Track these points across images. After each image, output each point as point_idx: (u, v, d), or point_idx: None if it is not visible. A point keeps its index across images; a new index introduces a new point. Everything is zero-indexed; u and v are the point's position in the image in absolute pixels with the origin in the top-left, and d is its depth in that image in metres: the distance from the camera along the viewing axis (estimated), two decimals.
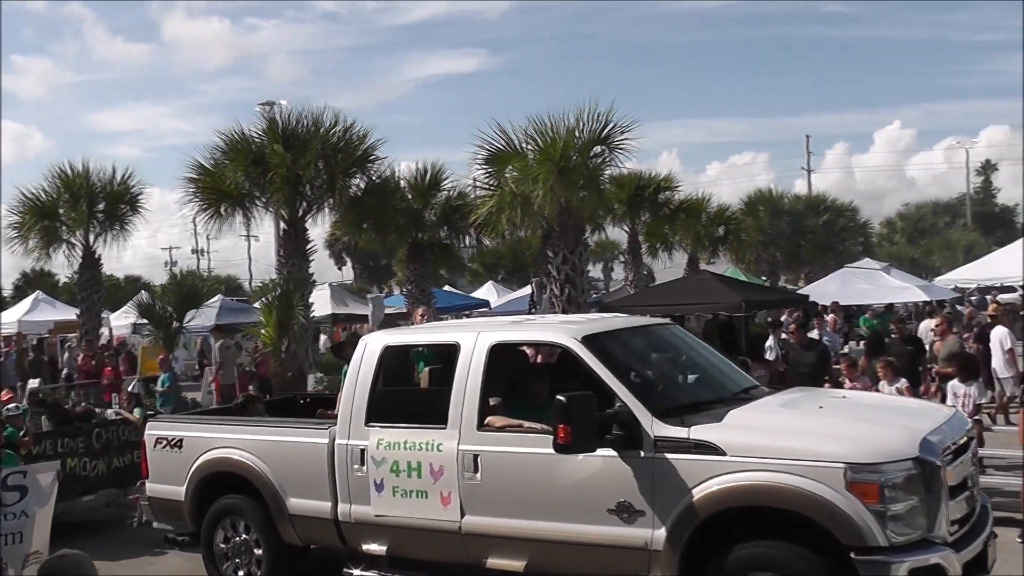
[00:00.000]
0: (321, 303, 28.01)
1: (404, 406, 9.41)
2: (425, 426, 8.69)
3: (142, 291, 29.68)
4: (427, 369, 10.04)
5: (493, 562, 8.27)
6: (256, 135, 21.57)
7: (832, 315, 25.59)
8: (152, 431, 10.76)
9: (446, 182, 26.61)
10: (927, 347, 18.74)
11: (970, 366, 13.02)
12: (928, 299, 31.56)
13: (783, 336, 19.91)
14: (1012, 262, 39.06)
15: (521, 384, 9.32)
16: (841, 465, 6.85)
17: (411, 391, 10.04)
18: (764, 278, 42.93)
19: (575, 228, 20.21)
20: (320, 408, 12.10)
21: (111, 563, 11.37)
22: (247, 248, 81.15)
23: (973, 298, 36.61)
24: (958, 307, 35.13)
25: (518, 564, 8.14)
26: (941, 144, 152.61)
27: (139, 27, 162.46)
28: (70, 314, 30.84)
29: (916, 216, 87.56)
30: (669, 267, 36.08)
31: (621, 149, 19.90)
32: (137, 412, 14.39)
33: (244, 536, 10.00)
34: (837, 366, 14.56)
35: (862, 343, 20.59)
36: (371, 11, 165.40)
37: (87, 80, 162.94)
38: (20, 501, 8.75)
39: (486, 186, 21.66)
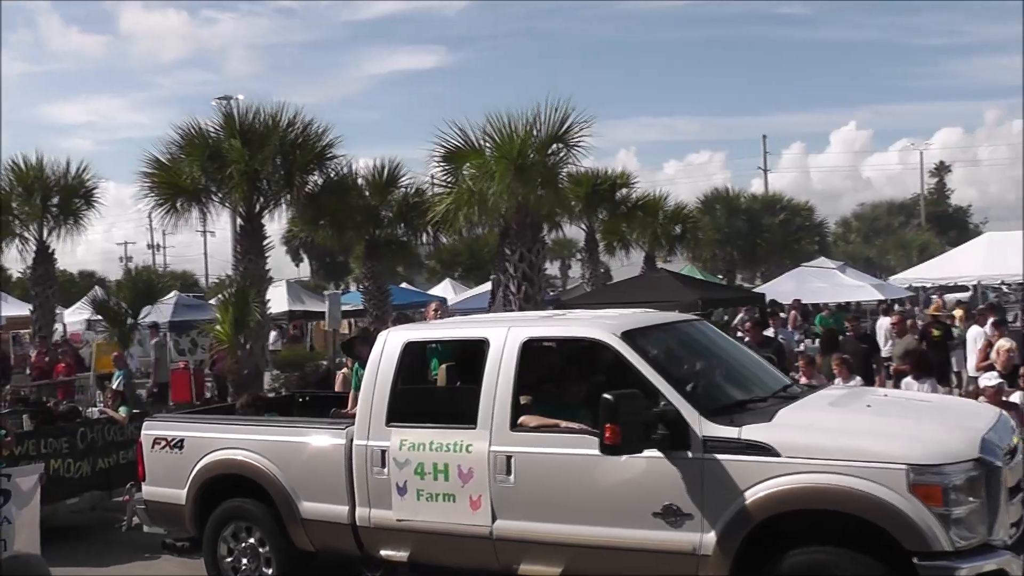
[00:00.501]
0: (278, 300, 27.91)
1: (428, 405, 9.08)
2: (452, 426, 8.32)
3: (97, 287, 29.25)
4: (444, 367, 9.67)
5: (526, 568, 7.96)
6: (213, 130, 21.35)
7: (793, 312, 25.76)
8: (150, 431, 10.27)
9: (404, 179, 26.58)
10: (884, 344, 19.02)
11: (924, 363, 13.18)
12: (883, 298, 31.84)
13: (739, 334, 20.03)
14: (965, 262, 39.63)
15: (552, 382, 9.02)
16: (903, 467, 6.63)
17: (435, 389, 9.65)
18: (720, 276, 43.23)
19: (532, 226, 20.22)
20: (334, 407, 11.65)
21: (101, 569, 11.19)
22: (203, 244, 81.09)
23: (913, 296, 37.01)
24: (916, 308, 35.50)
25: (553, 570, 7.83)
26: (896, 145, 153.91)
27: (94, 18, 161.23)
28: (23, 310, 30.51)
29: (871, 216, 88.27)
30: (626, 265, 36.14)
31: (579, 147, 19.93)
32: (122, 410, 13.95)
33: (251, 541, 9.54)
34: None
35: (817, 341, 20.80)
36: (329, 7, 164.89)
37: (41, 71, 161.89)
38: (2, 506, 8.49)
39: (443, 183, 21.64)
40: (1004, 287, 46.22)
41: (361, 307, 29.59)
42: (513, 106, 19.86)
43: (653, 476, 7.36)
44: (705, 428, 7.24)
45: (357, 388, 10.88)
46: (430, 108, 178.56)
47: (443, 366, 9.68)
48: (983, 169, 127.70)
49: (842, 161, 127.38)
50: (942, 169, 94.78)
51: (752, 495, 6.99)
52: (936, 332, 18.85)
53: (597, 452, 7.34)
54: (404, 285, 42.52)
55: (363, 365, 10.70)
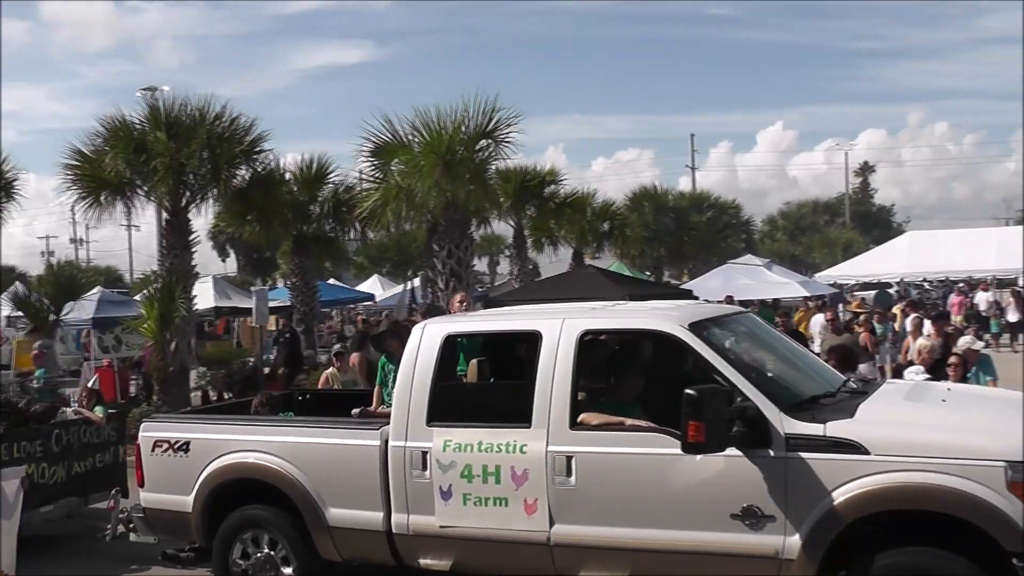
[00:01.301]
0: (204, 296, 27.64)
1: (473, 403, 8.59)
2: (503, 425, 7.79)
3: (17, 282, 28.74)
4: (474, 362, 9.19)
5: (586, 575, 7.49)
6: (138, 121, 21.01)
7: None
8: (149, 432, 9.48)
9: (332, 175, 26.49)
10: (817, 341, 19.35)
11: (847, 358, 13.35)
12: (808, 294, 32.28)
13: None
14: (888, 260, 40.33)
15: (608, 376, 8.43)
16: (1001, 464, 6.32)
17: (481, 387, 9.07)
18: (648, 273, 43.43)
19: (461, 222, 20.29)
20: (354, 406, 10.91)
21: None
22: (128, 238, 79.74)
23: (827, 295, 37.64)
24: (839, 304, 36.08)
25: None
26: (821, 145, 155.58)
27: (16, 4, 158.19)
28: None
29: (797, 214, 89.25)
30: (554, 261, 36.30)
31: (507, 143, 20.05)
32: (99, 410, 13.03)
33: (267, 551, 8.79)
34: None
35: None
36: None
37: None
38: None
39: (372, 179, 21.58)
40: (926, 284, 47.10)
41: (288, 303, 29.45)
42: (442, 102, 19.94)
43: (732, 476, 6.98)
44: (787, 425, 6.88)
45: (383, 384, 10.65)
46: (359, 103, 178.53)
47: (473, 361, 9.23)
48: (906, 170, 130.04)
49: (769, 160, 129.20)
50: (866, 169, 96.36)
51: (841, 495, 6.64)
52: (858, 328, 19.20)
53: (670, 451, 7.06)
54: (332, 281, 42.40)
55: (392, 360, 10.42)
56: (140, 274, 64.38)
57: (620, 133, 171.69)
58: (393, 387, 9.89)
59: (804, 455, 6.76)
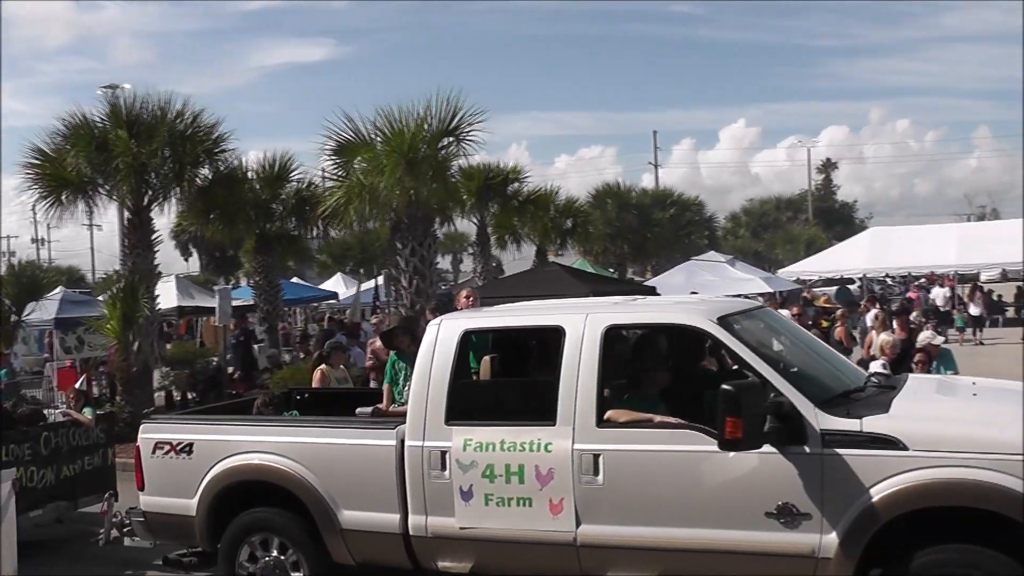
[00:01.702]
0: (167, 295, 27.54)
1: (494, 401, 8.46)
2: (527, 423, 7.67)
3: None
4: (487, 358, 8.99)
5: (613, 575, 7.34)
6: (99, 120, 20.95)
7: None
8: (149, 434, 9.21)
9: (295, 173, 26.47)
10: None
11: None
12: (771, 290, 32.59)
13: None
14: (850, 256, 40.73)
15: (624, 372, 8.21)
16: None
17: (501, 384, 8.87)
18: (612, 270, 43.54)
19: (424, 220, 20.28)
20: (354, 405, 10.44)
21: None
22: (90, 238, 79.35)
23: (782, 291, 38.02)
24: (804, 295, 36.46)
25: None
26: (784, 142, 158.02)
27: None
28: None
29: (760, 211, 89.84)
30: (518, 259, 36.46)
31: (470, 140, 20.06)
32: (87, 411, 12.77)
33: (276, 555, 8.58)
34: None
35: None
36: None
37: None
38: None
39: (334, 177, 21.58)
40: (888, 280, 47.56)
41: (252, 302, 29.40)
42: (404, 100, 19.97)
43: (766, 473, 6.84)
44: (822, 421, 6.75)
45: (393, 382, 10.41)
46: (321, 101, 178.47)
47: (486, 358, 9.03)
48: (868, 166, 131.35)
49: (731, 157, 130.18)
50: (829, 166, 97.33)
51: (879, 492, 6.52)
52: (825, 323, 19.45)
53: (702, 448, 6.97)
54: (295, 280, 42.30)
55: (402, 358, 10.28)
56: (102, 274, 64.03)
57: (583, 130, 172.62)
58: (405, 385, 9.94)
59: (840, 451, 6.65)
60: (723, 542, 6.94)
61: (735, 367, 7.68)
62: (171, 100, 21.21)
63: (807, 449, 6.74)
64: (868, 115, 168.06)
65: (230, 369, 23.91)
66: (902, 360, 13.18)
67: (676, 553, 7.10)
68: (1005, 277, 48.88)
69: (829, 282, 41.56)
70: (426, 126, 19.43)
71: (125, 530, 9.79)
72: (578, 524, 7.35)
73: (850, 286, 41.98)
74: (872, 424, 6.67)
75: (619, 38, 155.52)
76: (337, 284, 43.45)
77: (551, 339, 7.91)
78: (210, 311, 28.82)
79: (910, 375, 8.79)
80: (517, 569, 7.71)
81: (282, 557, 8.57)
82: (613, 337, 7.77)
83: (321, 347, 17.64)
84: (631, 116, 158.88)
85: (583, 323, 7.65)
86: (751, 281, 32.29)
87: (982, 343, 32.35)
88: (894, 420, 6.75)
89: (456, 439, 7.72)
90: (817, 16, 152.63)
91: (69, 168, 20.54)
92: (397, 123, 19.39)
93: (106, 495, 10.34)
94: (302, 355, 22.83)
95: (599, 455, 7.28)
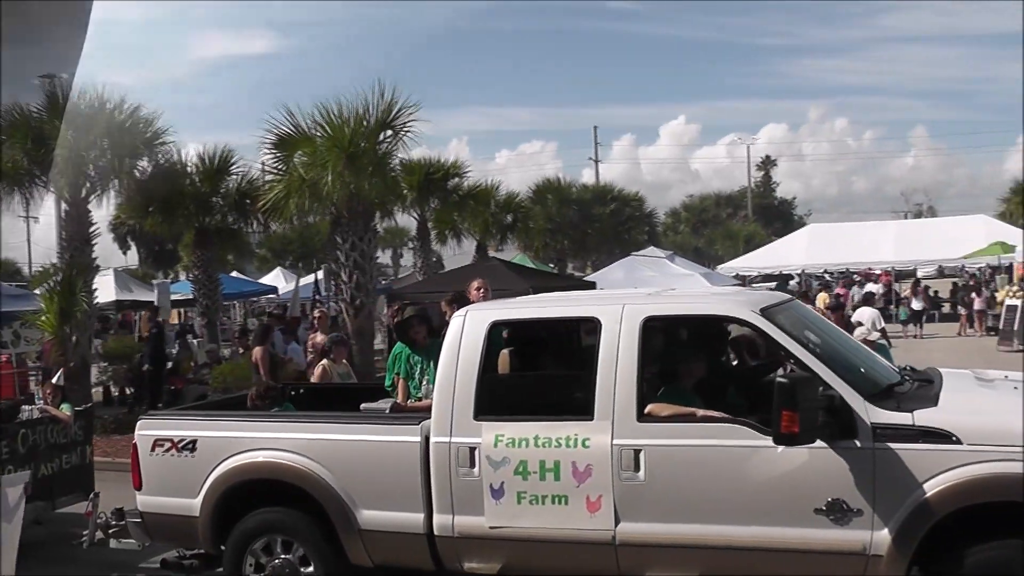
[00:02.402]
0: (105, 289, 27.35)
1: (527, 395, 8.08)
2: (562, 418, 7.34)
3: None
4: (505, 351, 8.55)
5: (653, 575, 7.13)
6: (35, 110, 20.61)
7: None
8: (147, 431, 8.74)
9: (235, 166, 26.35)
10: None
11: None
12: (711, 286, 32.83)
13: None
14: (789, 252, 41.26)
15: (666, 364, 7.93)
16: None
17: (534, 377, 8.59)
18: (552, 266, 43.87)
19: (364, 214, 20.34)
20: (354, 400, 9.76)
21: None
22: (26, 230, 78.27)
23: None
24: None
25: None
26: (724, 140, 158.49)
27: None
28: None
29: (699, 207, 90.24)
30: (458, 254, 36.44)
31: (409, 134, 20.12)
32: (65, 408, 12.26)
33: (286, 557, 8.19)
34: None
35: None
36: None
37: None
38: None
39: (275, 171, 21.55)
40: (827, 275, 48.18)
41: (191, 296, 29.24)
42: (345, 94, 19.94)
43: (816, 469, 6.64)
44: (873, 414, 6.58)
45: (408, 376, 10.08)
46: (262, 94, 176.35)
47: (504, 351, 8.56)
48: (807, 164, 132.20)
49: (671, 154, 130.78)
50: (768, 163, 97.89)
51: (933, 487, 6.36)
52: None
53: (748, 443, 6.81)
54: (235, 274, 42.09)
55: (417, 350, 10.00)
56: (39, 267, 63.23)
57: (523, 125, 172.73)
58: (420, 379, 9.81)
59: (892, 446, 6.49)
60: (770, 539, 6.77)
61: (754, 363, 7.67)
62: (109, 91, 21.01)
63: (858, 443, 6.57)
64: (807, 113, 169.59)
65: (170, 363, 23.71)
66: None
67: (720, 551, 6.91)
68: (942, 273, 49.57)
69: (768, 278, 41.97)
70: (365, 120, 19.45)
71: (110, 532, 9.33)
72: (617, 522, 7.11)
73: (790, 282, 42.46)
74: (924, 417, 6.55)
75: (559, 33, 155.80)
76: (277, 279, 43.31)
77: (571, 332, 7.83)
78: (149, 305, 28.70)
79: (946, 370, 8.55)
80: (550, 569, 7.49)
81: (292, 558, 8.23)
82: (651, 329, 7.50)
83: (260, 342, 17.57)
84: (572, 112, 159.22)
85: (620, 314, 7.40)
86: (691, 277, 32.45)
87: (920, 337, 32.96)
88: (946, 413, 6.60)
89: (486, 435, 7.43)
90: (757, 15, 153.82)
91: (5, 159, 20.29)
92: (337, 117, 19.40)
93: (91, 495, 9.77)
94: (241, 350, 22.71)
95: (640, 451, 7.04)
